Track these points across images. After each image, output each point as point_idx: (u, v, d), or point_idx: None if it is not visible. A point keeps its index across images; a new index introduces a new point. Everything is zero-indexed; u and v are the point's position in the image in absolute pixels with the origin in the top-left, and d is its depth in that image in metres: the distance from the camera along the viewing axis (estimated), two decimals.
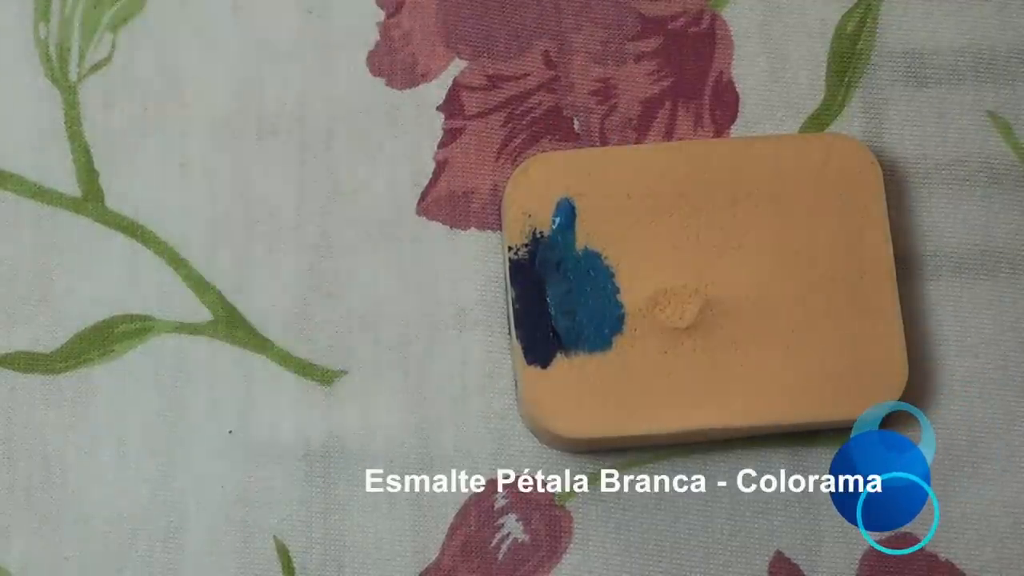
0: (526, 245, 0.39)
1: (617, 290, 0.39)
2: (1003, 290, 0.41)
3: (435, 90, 0.42)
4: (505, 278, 0.39)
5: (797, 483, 0.40)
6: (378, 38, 0.42)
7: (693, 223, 0.39)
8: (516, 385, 0.39)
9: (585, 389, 0.38)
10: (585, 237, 0.39)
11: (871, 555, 0.40)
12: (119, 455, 0.40)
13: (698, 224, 0.39)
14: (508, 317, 0.39)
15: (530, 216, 0.39)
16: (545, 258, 0.39)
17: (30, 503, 0.39)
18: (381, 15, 0.42)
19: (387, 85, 0.42)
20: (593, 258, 0.39)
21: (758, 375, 0.38)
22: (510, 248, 0.39)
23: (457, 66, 0.42)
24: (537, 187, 0.39)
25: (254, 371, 0.40)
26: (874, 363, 0.38)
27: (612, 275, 0.39)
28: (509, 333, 0.39)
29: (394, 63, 0.42)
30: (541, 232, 0.39)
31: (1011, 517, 0.40)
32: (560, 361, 0.38)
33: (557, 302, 0.39)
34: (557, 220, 0.39)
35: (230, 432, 0.40)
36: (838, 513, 0.39)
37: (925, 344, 0.41)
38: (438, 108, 0.41)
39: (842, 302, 0.39)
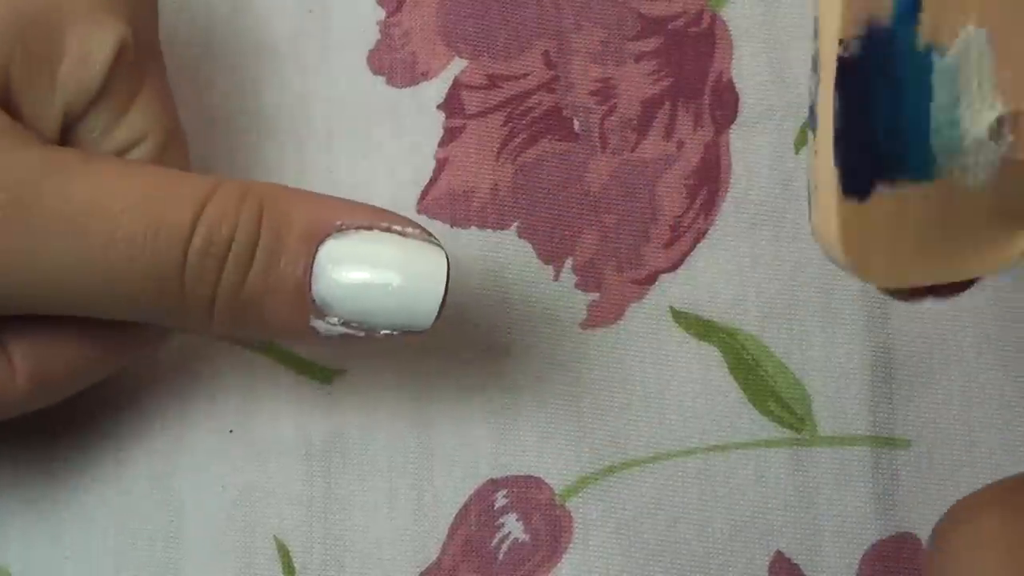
0: (859, 38, 0.29)
1: (958, 101, 0.30)
2: (1003, 289, 0.41)
3: (435, 89, 0.42)
4: (810, 106, 0.31)
5: (798, 482, 0.40)
6: (378, 37, 0.42)
7: None
8: (811, 215, 0.31)
9: (907, 227, 0.30)
10: (929, 29, 0.30)
11: (872, 554, 0.40)
12: (119, 454, 0.40)
13: None
14: (811, 146, 0.30)
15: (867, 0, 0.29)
16: (880, 55, 0.29)
17: (31, 503, 0.39)
18: (381, 14, 0.42)
19: (387, 84, 0.42)
20: (934, 56, 0.30)
21: None
22: (840, 42, 0.29)
23: (457, 65, 0.42)
24: None
25: (254, 369, 0.40)
26: None
27: (955, 79, 0.30)
28: (806, 147, 0.31)
29: (394, 62, 0.42)
30: (879, 21, 0.29)
31: None
32: (880, 193, 0.30)
33: (886, 122, 0.30)
34: (897, 4, 0.29)
35: (230, 431, 0.40)
36: (839, 512, 0.40)
37: (925, 343, 0.41)
38: (438, 107, 0.41)
39: None
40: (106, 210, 0.33)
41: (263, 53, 0.42)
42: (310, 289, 0.34)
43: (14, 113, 0.33)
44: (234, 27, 0.42)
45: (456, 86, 0.42)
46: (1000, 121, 0.30)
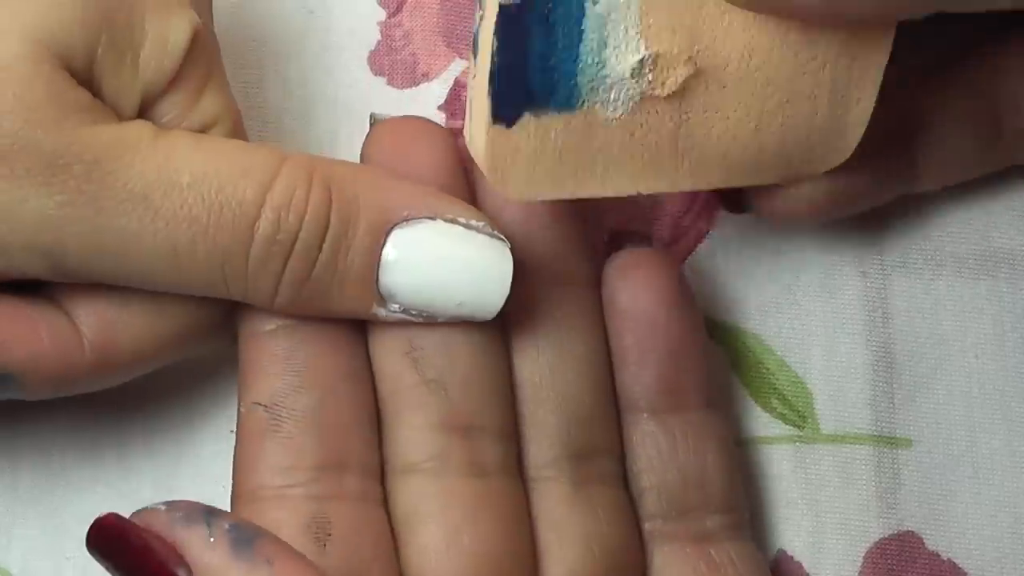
0: None
1: (605, 44, 0.33)
2: (1003, 290, 0.41)
3: (436, 89, 0.42)
4: (475, 33, 0.34)
5: (800, 480, 0.40)
6: (379, 38, 0.42)
7: None
8: (466, 128, 0.36)
9: (547, 151, 0.35)
10: None
11: (875, 552, 0.40)
12: (120, 455, 0.39)
13: None
14: (472, 70, 0.35)
15: None
16: (537, 5, 0.33)
17: (32, 503, 0.39)
18: (382, 15, 0.42)
19: (388, 84, 0.42)
20: (587, 4, 0.33)
21: (719, 145, 0.35)
22: None
23: (458, 66, 0.42)
24: None
25: None
26: (831, 136, 0.35)
27: (604, 24, 0.33)
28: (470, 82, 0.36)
29: (395, 63, 0.42)
30: None
31: (1011, 517, 0.40)
32: (526, 120, 0.34)
33: (539, 59, 0.33)
34: None
35: (231, 432, 0.40)
36: (841, 510, 0.40)
37: (925, 343, 0.41)
38: (439, 108, 0.41)
39: (826, 82, 0.35)
40: (173, 184, 0.33)
41: (264, 54, 0.42)
42: (376, 280, 0.34)
43: (95, 95, 0.34)
44: (235, 28, 0.42)
45: (457, 87, 0.42)
46: (642, 62, 0.34)
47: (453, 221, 0.34)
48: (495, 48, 0.33)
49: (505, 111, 0.34)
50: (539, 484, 0.36)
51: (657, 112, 0.34)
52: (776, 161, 0.35)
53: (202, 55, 0.35)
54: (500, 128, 0.34)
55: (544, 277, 0.36)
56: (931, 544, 0.40)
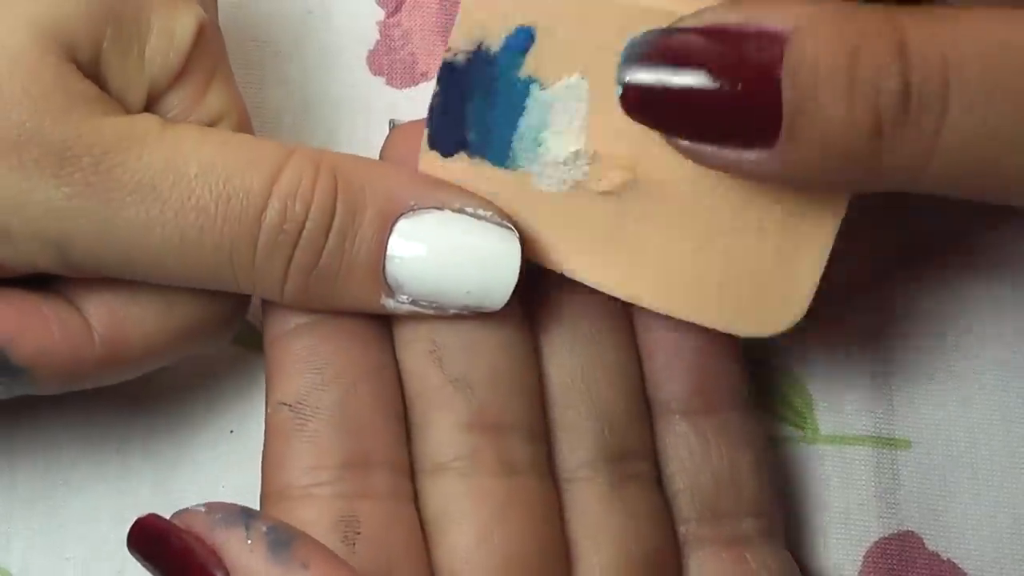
0: (466, 52, 0.35)
1: (547, 126, 0.35)
2: (1003, 290, 0.41)
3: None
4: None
5: (800, 481, 0.40)
6: (378, 37, 0.42)
7: None
8: None
9: (480, 188, 0.35)
10: (534, 67, 0.34)
11: (875, 553, 0.40)
12: (120, 455, 0.39)
13: None
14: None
15: (483, 28, 0.34)
16: (482, 72, 0.35)
17: (31, 503, 0.39)
18: (381, 14, 0.42)
19: (387, 84, 0.42)
20: (534, 87, 0.34)
21: (656, 257, 0.35)
22: (449, 49, 0.35)
23: None
24: (503, 5, 0.34)
25: (254, 370, 0.40)
26: (778, 288, 0.35)
27: (548, 110, 0.34)
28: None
29: (394, 62, 0.42)
30: (488, 47, 0.34)
31: (1010, 517, 0.40)
32: (461, 157, 0.35)
33: (477, 117, 0.35)
34: (508, 41, 0.34)
35: (231, 432, 0.40)
36: (841, 511, 0.40)
37: (925, 343, 0.41)
38: None
39: (776, 220, 0.34)
40: (181, 175, 0.33)
41: (264, 54, 0.42)
42: (383, 270, 0.34)
43: (102, 88, 0.34)
44: (235, 28, 0.42)
45: None
46: (578, 153, 0.34)
47: (460, 211, 0.34)
48: (436, 90, 0.35)
49: (441, 145, 0.35)
50: (574, 485, 0.36)
51: (593, 203, 0.35)
52: (719, 295, 0.35)
53: (208, 50, 0.35)
54: (436, 154, 0.35)
55: (572, 280, 0.36)
56: (931, 544, 0.40)
